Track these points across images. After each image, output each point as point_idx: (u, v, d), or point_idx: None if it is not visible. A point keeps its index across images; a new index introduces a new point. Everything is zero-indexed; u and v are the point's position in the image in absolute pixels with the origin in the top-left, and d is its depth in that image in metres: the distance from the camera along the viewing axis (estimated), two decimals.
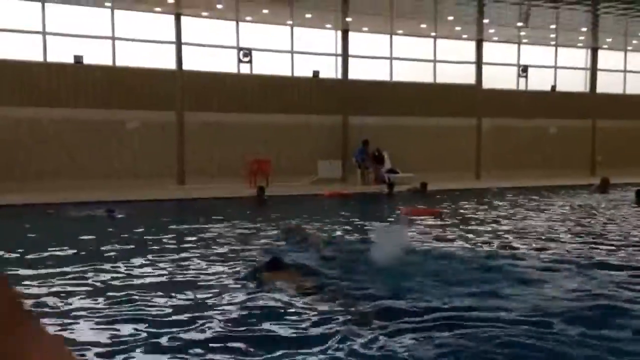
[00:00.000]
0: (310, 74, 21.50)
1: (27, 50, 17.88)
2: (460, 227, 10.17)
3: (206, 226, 9.95)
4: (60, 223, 10.91)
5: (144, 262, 6.84)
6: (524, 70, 24.76)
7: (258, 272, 4.73)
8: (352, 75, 22.20)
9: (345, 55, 22.15)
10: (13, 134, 17.39)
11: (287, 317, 4.08)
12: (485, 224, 10.65)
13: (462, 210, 12.95)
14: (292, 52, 21.45)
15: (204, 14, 20.01)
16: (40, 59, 18.09)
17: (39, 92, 17.81)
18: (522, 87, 24.94)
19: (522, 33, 23.55)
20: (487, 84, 24.07)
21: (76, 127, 18.11)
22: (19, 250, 7.66)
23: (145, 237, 8.86)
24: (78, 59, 18.37)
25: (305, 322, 4.00)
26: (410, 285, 5.24)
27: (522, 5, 19.78)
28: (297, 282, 4.21)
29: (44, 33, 18.11)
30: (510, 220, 11.09)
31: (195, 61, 20.07)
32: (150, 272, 6.26)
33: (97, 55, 18.72)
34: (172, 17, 19.75)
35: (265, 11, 19.81)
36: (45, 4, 17.96)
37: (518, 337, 3.99)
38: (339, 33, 22.13)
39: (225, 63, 20.51)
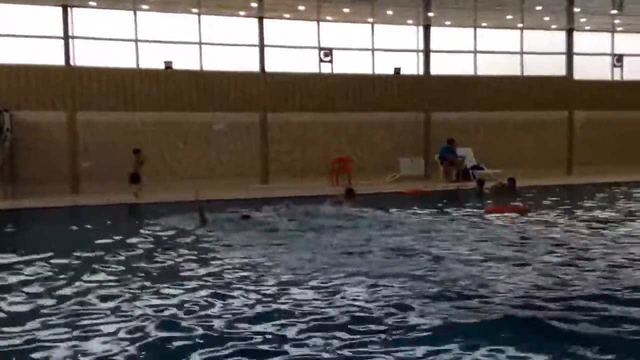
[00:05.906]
0: (392, 71, 21.35)
1: (121, 57, 18.90)
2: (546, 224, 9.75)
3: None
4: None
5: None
6: (618, 59, 23.43)
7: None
8: (435, 70, 21.83)
9: (427, 51, 21.82)
10: (110, 137, 18.41)
11: None
12: (579, 220, 10.16)
13: (553, 207, 12.41)
14: (372, 49, 21.39)
15: (286, 15, 20.36)
16: (133, 65, 19.09)
17: (132, 96, 18.79)
18: (617, 77, 23.61)
19: (617, 21, 22.25)
20: (578, 75, 22.94)
21: (166, 130, 18.95)
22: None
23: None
24: (168, 65, 19.22)
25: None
26: None
27: None
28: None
29: (136, 40, 19.10)
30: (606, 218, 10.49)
31: (278, 62, 20.46)
32: None
33: (185, 60, 19.51)
34: (255, 21, 20.25)
35: (346, 10, 19.90)
36: (137, 12, 18.95)
37: None
38: (421, 28, 21.83)
39: (306, 63, 20.77)
